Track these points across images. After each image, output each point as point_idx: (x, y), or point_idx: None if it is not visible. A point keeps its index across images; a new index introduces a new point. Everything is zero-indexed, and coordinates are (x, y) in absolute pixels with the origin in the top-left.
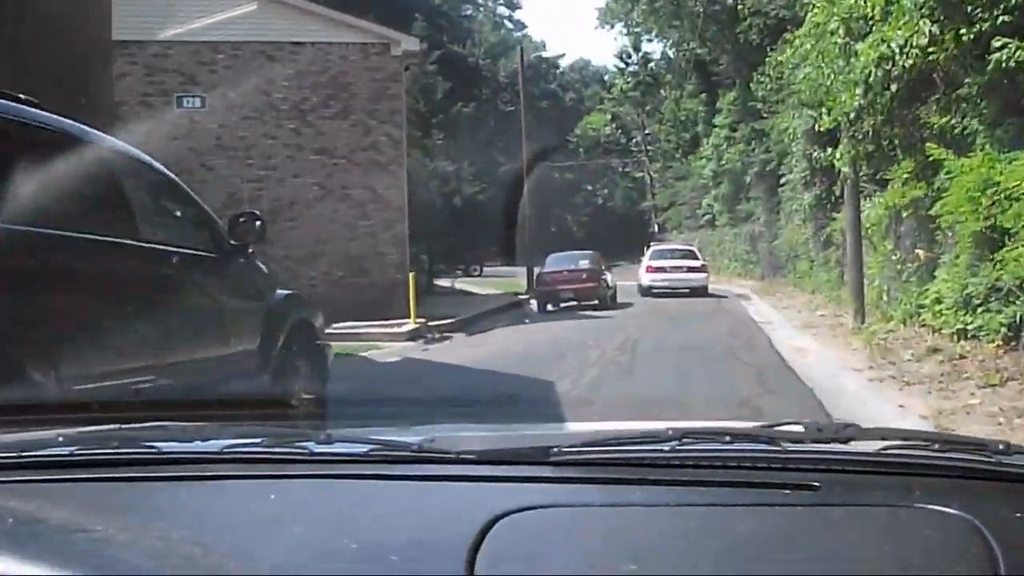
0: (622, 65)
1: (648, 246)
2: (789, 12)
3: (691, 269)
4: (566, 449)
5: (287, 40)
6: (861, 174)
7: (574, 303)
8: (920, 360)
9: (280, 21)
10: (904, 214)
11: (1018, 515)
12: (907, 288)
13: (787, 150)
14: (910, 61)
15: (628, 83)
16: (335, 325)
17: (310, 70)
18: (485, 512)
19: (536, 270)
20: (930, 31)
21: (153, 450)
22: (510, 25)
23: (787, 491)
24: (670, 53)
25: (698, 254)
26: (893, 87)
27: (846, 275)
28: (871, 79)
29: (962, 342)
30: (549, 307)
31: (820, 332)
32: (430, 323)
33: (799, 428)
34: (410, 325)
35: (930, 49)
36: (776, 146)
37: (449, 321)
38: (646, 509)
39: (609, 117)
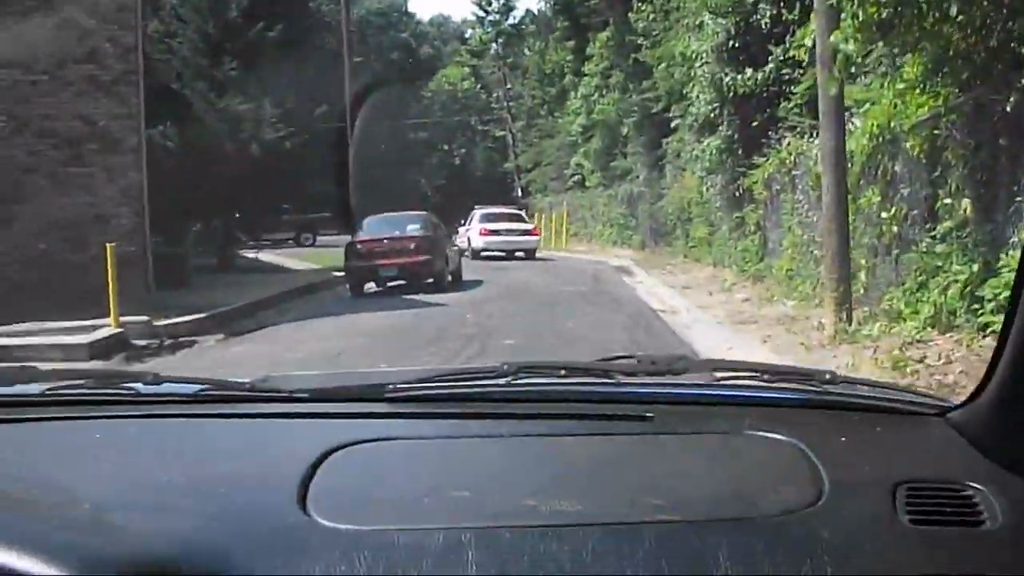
0: (481, 13)
1: (472, 210)
2: None
3: (524, 232)
4: (401, 385)
5: None
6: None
7: (403, 282)
8: None
9: None
10: (910, 142)
11: (842, 439)
12: (925, 266)
13: (678, 87)
14: None
15: (488, 33)
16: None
17: None
18: (318, 447)
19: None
20: None
21: None
22: None
23: (621, 422)
24: None
25: (524, 217)
26: None
27: (771, 240)
28: None
29: None
30: (369, 287)
31: (776, 337)
32: (166, 321)
33: (633, 361)
34: (106, 330)
35: None
36: (664, 83)
37: (197, 317)
38: (481, 441)
39: (467, 71)
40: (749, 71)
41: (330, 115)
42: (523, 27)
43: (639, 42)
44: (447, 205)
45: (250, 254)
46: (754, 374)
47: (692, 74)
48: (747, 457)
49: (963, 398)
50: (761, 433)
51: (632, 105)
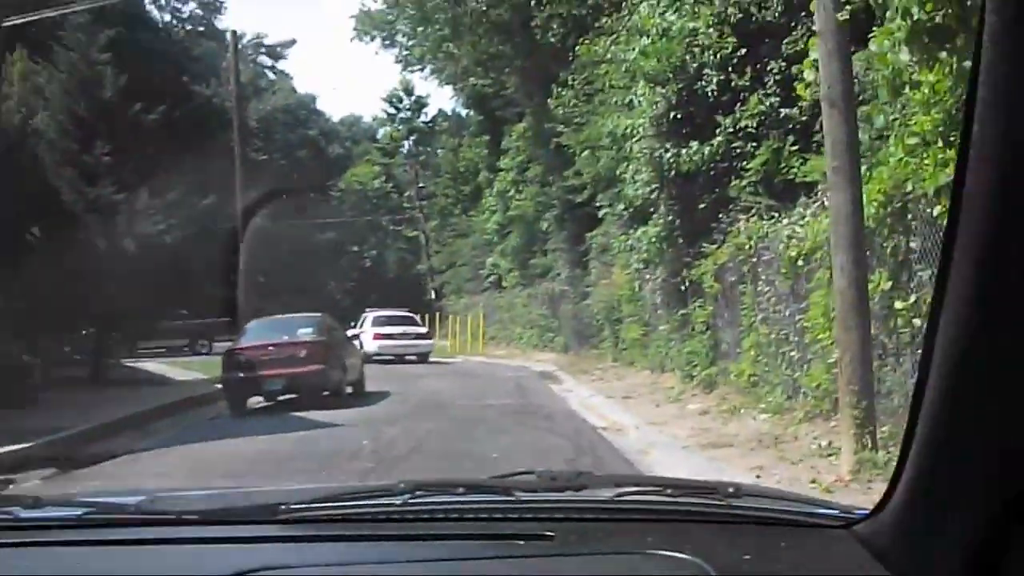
0: (392, 111)
1: (365, 312)
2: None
3: (419, 336)
4: (294, 506)
5: None
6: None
7: (292, 396)
8: None
9: None
10: (938, 207)
11: (746, 556)
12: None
13: (606, 172)
14: None
15: (399, 130)
16: None
17: None
18: None
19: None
20: None
21: None
22: (272, 76)
23: (521, 541)
24: (445, 89)
25: (418, 320)
26: None
27: (724, 341)
28: None
29: None
30: (257, 401)
31: (770, 468)
32: None
33: (532, 478)
34: None
35: None
36: (589, 170)
37: (23, 447)
38: (377, 566)
39: (378, 169)
40: (694, 145)
41: (221, 210)
42: (435, 125)
43: (559, 129)
44: (356, 308)
45: (138, 363)
46: (657, 488)
47: (627, 152)
48: None
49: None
50: (664, 552)
51: (552, 198)
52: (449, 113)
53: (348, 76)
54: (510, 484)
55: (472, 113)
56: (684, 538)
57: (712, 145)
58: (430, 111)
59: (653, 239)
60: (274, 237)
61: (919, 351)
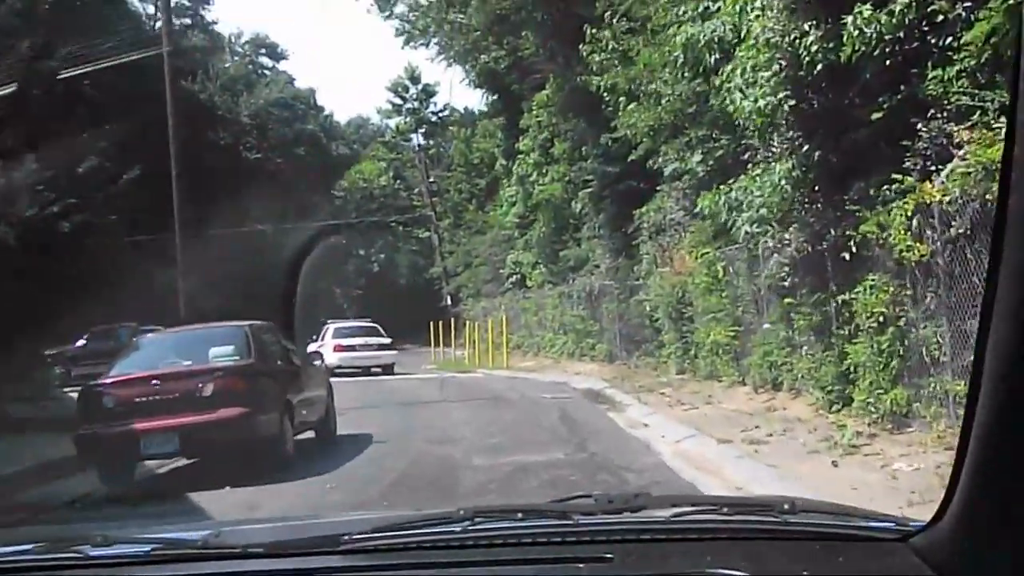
0: (397, 101)
1: (327, 323)
2: None
3: (381, 347)
4: (356, 537)
5: None
6: None
7: (193, 459)
8: None
9: None
10: None
11: (804, 572)
12: None
13: (670, 112)
14: None
15: (406, 122)
16: None
17: None
18: None
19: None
20: None
21: None
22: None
23: (581, 564)
24: (454, 80)
25: (382, 331)
26: None
27: (927, 345)
28: None
29: None
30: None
31: None
32: None
33: (590, 501)
34: None
35: None
36: (642, 119)
37: None
38: None
39: (384, 165)
40: (864, 10)
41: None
42: (445, 115)
43: (594, 81)
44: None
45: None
46: (713, 507)
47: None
48: None
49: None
50: (721, 571)
51: (586, 173)
52: (462, 111)
53: (354, 72)
54: (568, 508)
55: (485, 93)
56: (742, 555)
57: (893, 10)
58: (439, 101)
59: (781, 181)
60: (271, 240)
61: None
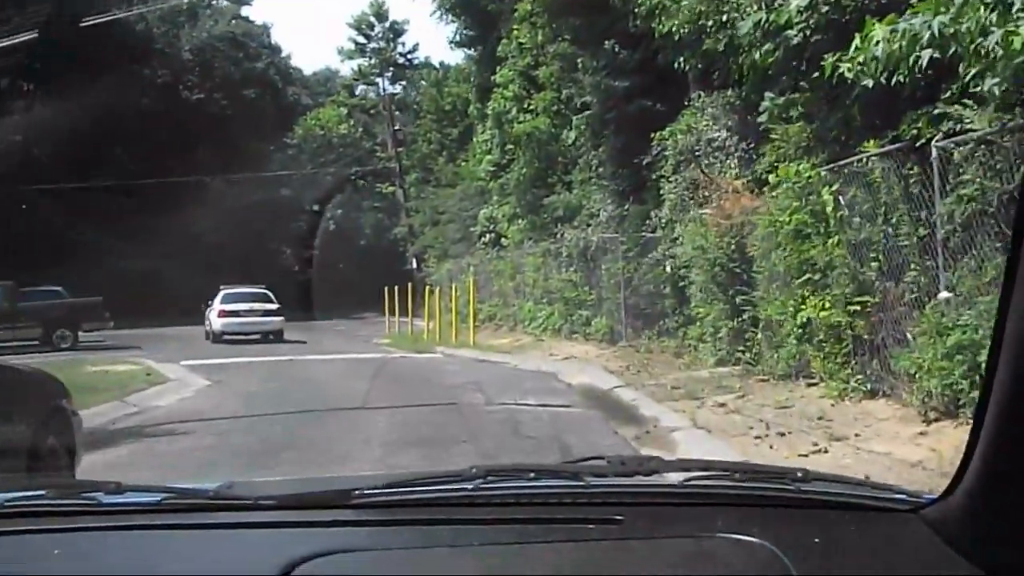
0: (361, 40)
1: (219, 290)
2: None
3: (267, 312)
4: (367, 491)
5: None
6: None
7: None
8: None
9: None
10: None
11: (816, 540)
12: None
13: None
14: None
15: (371, 64)
16: None
17: None
18: (284, 558)
19: None
20: None
21: None
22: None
23: (591, 525)
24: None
25: (272, 297)
26: None
27: None
28: None
29: None
30: None
31: None
32: None
33: (603, 463)
34: None
35: None
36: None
37: None
38: (450, 549)
39: (344, 112)
40: None
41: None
42: (413, 57)
43: None
44: (319, 282)
45: None
46: (726, 473)
47: None
48: (720, 560)
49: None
50: (733, 535)
51: (583, 93)
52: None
53: (317, 14)
54: (580, 469)
55: (457, 23)
56: (753, 522)
57: None
58: (407, 41)
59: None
60: (213, 194)
61: None
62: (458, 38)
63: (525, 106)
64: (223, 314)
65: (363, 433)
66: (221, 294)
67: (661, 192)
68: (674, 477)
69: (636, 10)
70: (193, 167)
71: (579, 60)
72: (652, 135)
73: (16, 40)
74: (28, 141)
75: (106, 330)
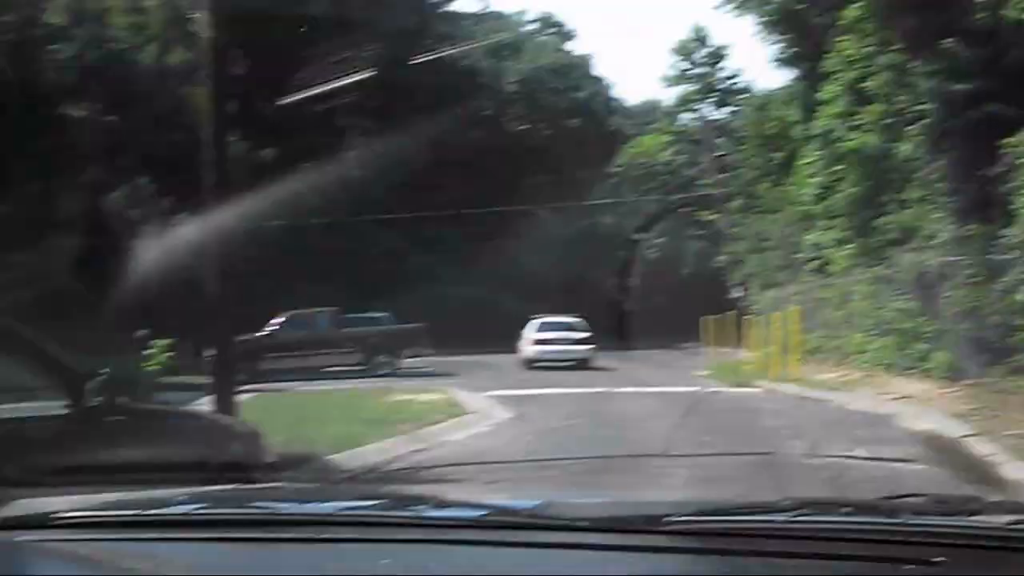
0: (684, 65)
1: (530, 319)
2: None
3: (576, 342)
4: (679, 518)
5: None
6: None
7: None
8: None
9: None
10: None
11: None
12: None
13: None
14: None
15: (693, 89)
16: None
17: None
18: None
19: None
20: None
21: (269, 511)
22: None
23: (909, 565)
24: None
25: (583, 326)
26: None
27: None
28: None
29: None
30: None
31: None
32: None
33: (921, 500)
34: None
35: None
36: None
37: None
38: None
39: (667, 139)
40: None
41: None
42: (735, 83)
43: None
44: (639, 313)
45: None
46: None
47: None
48: None
49: None
50: None
51: (917, 99)
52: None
53: (638, 44)
54: (898, 506)
55: (779, 40)
56: None
57: None
58: (728, 66)
59: None
60: (537, 223)
61: None
62: (782, 56)
63: (853, 122)
64: (536, 342)
65: (658, 487)
66: (535, 323)
67: (1012, 208)
68: (998, 519)
69: (979, 0)
70: (518, 196)
71: (913, 66)
72: (1000, 143)
73: (355, 79)
74: (365, 174)
75: (427, 356)
